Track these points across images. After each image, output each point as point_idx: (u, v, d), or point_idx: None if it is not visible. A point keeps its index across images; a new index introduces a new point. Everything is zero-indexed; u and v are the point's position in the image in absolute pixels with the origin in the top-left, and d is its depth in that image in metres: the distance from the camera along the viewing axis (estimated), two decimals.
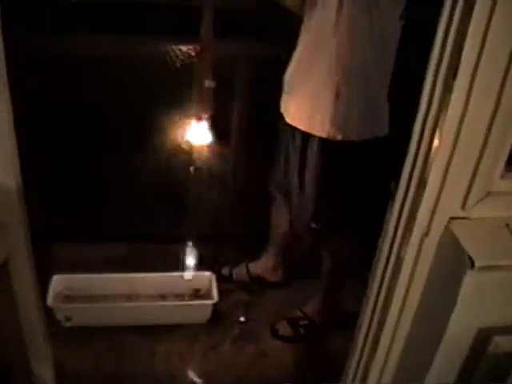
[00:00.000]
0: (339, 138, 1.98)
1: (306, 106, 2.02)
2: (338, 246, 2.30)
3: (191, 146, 2.07)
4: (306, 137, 2.05)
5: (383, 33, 1.88)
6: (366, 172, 2.05)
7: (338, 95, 1.93)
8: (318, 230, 2.18)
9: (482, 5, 1.12)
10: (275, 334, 2.44)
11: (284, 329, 2.45)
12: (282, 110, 2.14)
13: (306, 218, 2.18)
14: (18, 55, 1.44)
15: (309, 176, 2.10)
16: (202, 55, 1.78)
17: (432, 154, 1.25)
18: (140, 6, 2.63)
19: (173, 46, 2.30)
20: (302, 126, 2.05)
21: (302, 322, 2.46)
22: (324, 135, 1.99)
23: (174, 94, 2.15)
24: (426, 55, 1.25)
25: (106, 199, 2.66)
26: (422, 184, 1.28)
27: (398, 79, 1.99)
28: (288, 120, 2.11)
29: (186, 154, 2.20)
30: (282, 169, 2.27)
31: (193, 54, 2.22)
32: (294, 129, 2.09)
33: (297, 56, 2.04)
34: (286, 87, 2.11)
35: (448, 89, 1.22)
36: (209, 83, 1.77)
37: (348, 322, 2.10)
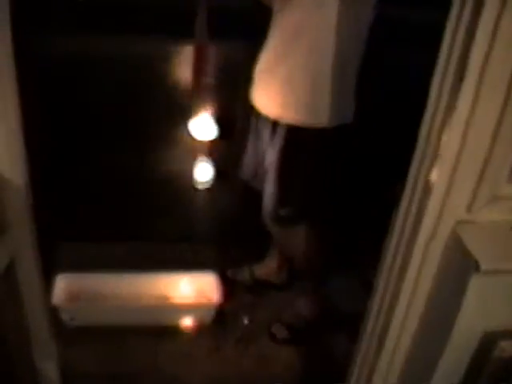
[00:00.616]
0: (310, 124, 2.00)
1: (278, 94, 2.04)
2: (311, 233, 2.29)
3: (193, 142, 2.07)
4: (276, 125, 2.07)
5: (358, 23, 1.92)
6: (333, 159, 2.08)
7: (312, 83, 1.96)
8: (284, 218, 2.18)
9: (491, 7, 1.12)
10: (272, 337, 2.44)
11: (280, 331, 2.45)
12: (253, 101, 2.16)
13: (272, 205, 2.19)
14: (24, 55, 1.44)
15: (277, 162, 2.10)
16: (199, 53, 1.78)
17: (438, 158, 1.25)
18: (142, 7, 2.65)
19: (174, 46, 2.32)
20: (272, 114, 2.07)
21: (296, 323, 2.46)
22: (294, 122, 2.01)
23: (175, 92, 2.16)
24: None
25: (110, 199, 2.67)
26: (428, 187, 1.28)
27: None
28: (259, 109, 2.13)
29: (188, 152, 2.20)
30: (252, 159, 2.29)
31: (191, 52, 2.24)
32: (265, 118, 2.11)
33: (271, 46, 2.04)
34: (257, 77, 2.13)
35: (455, 92, 1.22)
36: (209, 79, 1.78)
37: (343, 321, 2.11)
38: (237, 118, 2.49)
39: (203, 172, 2.57)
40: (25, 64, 1.39)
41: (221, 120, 2.07)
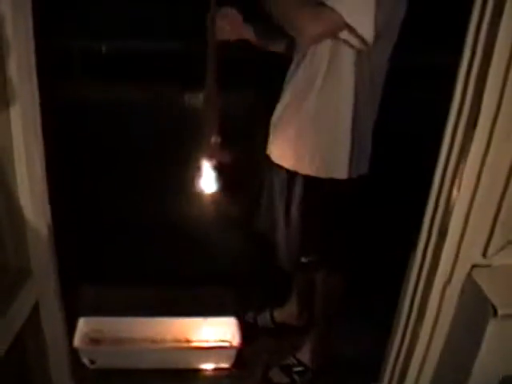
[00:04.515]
0: (326, 176, 2.01)
1: (293, 145, 2.05)
2: (330, 278, 2.28)
3: (204, 194, 2.08)
4: (291, 175, 2.08)
5: (373, 76, 1.93)
6: (351, 207, 2.08)
7: (328, 136, 1.97)
8: (307, 264, 2.19)
9: (500, 56, 1.15)
10: (269, 382, 2.40)
11: (278, 377, 2.41)
12: (268, 151, 2.17)
13: (294, 254, 2.19)
14: (48, 101, 1.50)
15: (295, 213, 2.11)
16: (208, 106, 1.82)
17: (452, 203, 1.27)
18: (163, 55, 2.75)
19: (185, 95, 2.39)
20: (288, 165, 2.08)
21: (296, 369, 2.43)
22: (311, 173, 2.02)
23: (184, 141, 2.20)
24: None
25: (132, 242, 2.71)
26: (442, 232, 1.30)
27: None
28: (274, 159, 2.14)
29: (201, 200, 2.22)
30: (265, 208, 2.29)
31: (200, 103, 2.30)
32: (279, 168, 2.12)
33: (286, 97, 2.06)
34: (272, 128, 2.14)
35: (468, 138, 1.25)
36: (215, 139, 1.82)
37: (341, 366, 2.09)
38: (249, 169, 2.52)
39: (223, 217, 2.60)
40: (47, 110, 1.44)
41: (228, 173, 2.09)
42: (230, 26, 2.02)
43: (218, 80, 1.77)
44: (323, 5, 1.76)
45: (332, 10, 1.74)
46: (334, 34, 1.81)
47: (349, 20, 1.74)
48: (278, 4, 1.83)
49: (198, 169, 1.86)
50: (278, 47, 2.18)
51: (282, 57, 2.11)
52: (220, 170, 1.93)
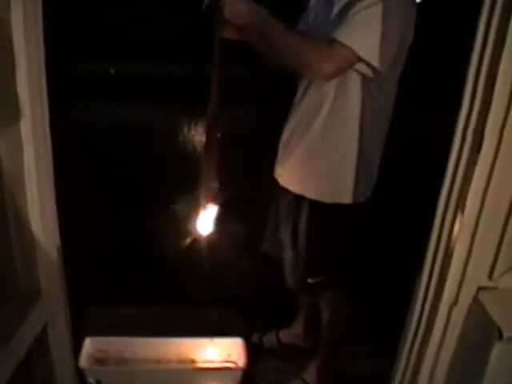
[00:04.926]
0: (331, 201, 2.02)
1: (299, 169, 2.06)
2: (336, 299, 2.29)
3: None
4: (298, 198, 2.09)
5: (382, 100, 1.94)
6: (355, 230, 2.08)
7: (334, 161, 1.98)
8: (314, 285, 2.19)
9: (504, 80, 1.17)
10: None
11: None
12: (276, 174, 2.19)
13: (301, 275, 2.20)
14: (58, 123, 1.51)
15: (302, 235, 2.12)
16: (208, 153, 1.82)
17: (457, 226, 1.28)
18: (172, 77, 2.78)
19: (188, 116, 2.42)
20: (295, 189, 2.09)
21: None
22: (317, 198, 2.03)
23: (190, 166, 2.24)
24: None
25: (138, 263, 2.72)
26: (448, 255, 1.31)
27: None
28: (281, 182, 2.15)
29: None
30: (272, 229, 2.30)
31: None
32: (286, 191, 2.13)
33: (293, 121, 2.07)
34: (280, 152, 2.16)
35: (472, 162, 1.26)
36: (213, 184, 1.83)
37: None
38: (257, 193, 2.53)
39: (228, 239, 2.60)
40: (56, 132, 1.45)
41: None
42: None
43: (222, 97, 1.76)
44: (332, 41, 1.75)
45: (343, 45, 1.73)
46: (348, 69, 1.81)
47: (362, 54, 1.75)
48: (285, 46, 1.81)
49: (197, 210, 1.86)
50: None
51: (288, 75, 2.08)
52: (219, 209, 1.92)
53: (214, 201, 1.80)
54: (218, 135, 1.77)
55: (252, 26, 1.78)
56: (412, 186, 2.37)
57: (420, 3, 1.90)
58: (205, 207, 1.84)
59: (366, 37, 1.74)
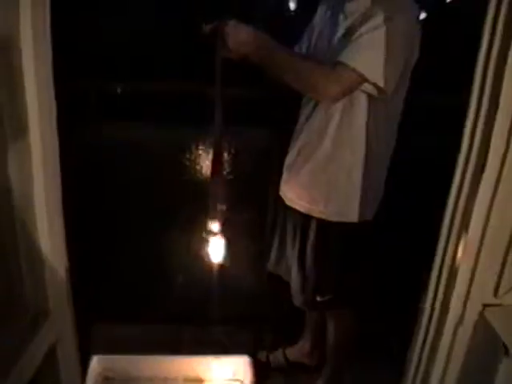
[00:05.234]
0: (338, 220, 2.03)
1: (306, 189, 2.07)
2: (343, 316, 2.30)
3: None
4: (305, 217, 2.10)
5: (388, 120, 1.96)
6: (363, 249, 2.09)
7: (341, 180, 1.99)
8: (321, 303, 2.19)
9: (507, 100, 1.18)
10: None
11: None
12: (281, 193, 2.20)
13: (309, 294, 2.20)
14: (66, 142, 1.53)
15: (310, 254, 2.13)
16: (214, 179, 1.83)
17: (462, 244, 1.29)
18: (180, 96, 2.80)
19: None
20: (301, 208, 2.10)
21: None
22: (323, 217, 2.05)
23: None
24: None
25: (145, 281, 2.72)
26: (453, 273, 1.32)
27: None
28: (287, 202, 2.16)
29: None
30: (278, 248, 2.32)
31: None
32: (292, 210, 2.14)
33: (299, 141, 2.08)
34: (286, 171, 2.17)
35: (477, 181, 1.27)
36: (220, 206, 1.84)
37: None
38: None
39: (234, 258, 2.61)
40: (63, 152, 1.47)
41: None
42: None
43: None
44: (338, 63, 1.76)
45: (349, 67, 1.75)
46: (354, 90, 1.83)
47: (368, 76, 1.76)
48: (291, 71, 1.80)
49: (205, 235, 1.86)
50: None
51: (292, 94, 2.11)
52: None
53: (221, 221, 1.81)
54: (225, 155, 1.79)
55: (256, 54, 1.78)
56: (418, 204, 2.37)
57: (424, 21, 1.91)
58: (212, 228, 1.85)
59: (371, 58, 1.75)
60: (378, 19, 1.73)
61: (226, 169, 2.28)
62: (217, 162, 1.75)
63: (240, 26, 1.74)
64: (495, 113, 1.21)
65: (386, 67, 1.75)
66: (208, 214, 1.77)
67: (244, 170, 2.56)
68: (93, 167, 2.50)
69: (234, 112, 1.78)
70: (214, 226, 1.79)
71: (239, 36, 1.73)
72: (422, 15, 1.90)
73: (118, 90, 2.97)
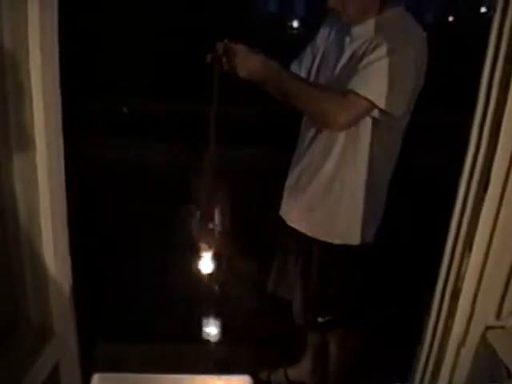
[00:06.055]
0: (340, 242, 2.03)
1: (308, 211, 2.07)
2: (345, 336, 2.29)
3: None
4: (308, 238, 2.09)
5: (391, 143, 1.96)
6: (365, 271, 2.08)
7: (343, 203, 1.99)
8: (323, 324, 2.18)
9: (510, 119, 1.19)
10: None
11: None
12: (282, 213, 2.19)
13: (311, 314, 2.20)
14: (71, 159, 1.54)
15: (312, 275, 2.12)
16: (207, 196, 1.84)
17: (465, 265, 1.30)
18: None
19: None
20: (303, 230, 2.10)
21: None
22: (325, 239, 2.04)
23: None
24: None
25: (147, 300, 2.73)
26: (456, 295, 1.32)
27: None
28: (288, 223, 2.16)
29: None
30: (278, 269, 2.31)
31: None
32: (294, 231, 2.13)
33: (301, 163, 2.08)
34: (287, 192, 2.17)
35: (479, 201, 1.28)
36: (212, 225, 1.85)
37: None
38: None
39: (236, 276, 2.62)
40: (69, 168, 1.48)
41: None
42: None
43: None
44: (348, 91, 1.76)
45: (360, 96, 1.74)
46: (362, 118, 1.83)
47: (380, 104, 1.76)
48: (300, 98, 1.81)
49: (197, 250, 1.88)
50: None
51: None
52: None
53: (212, 241, 1.82)
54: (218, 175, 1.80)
55: (264, 81, 1.78)
56: (420, 224, 2.39)
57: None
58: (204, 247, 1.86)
59: (382, 86, 1.74)
60: (388, 47, 1.73)
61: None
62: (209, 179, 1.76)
63: (249, 55, 1.75)
64: (498, 132, 1.22)
65: (396, 95, 1.75)
66: (201, 232, 1.78)
67: (241, 190, 2.57)
68: (93, 183, 2.52)
69: (231, 131, 1.80)
70: (208, 244, 1.80)
71: (248, 65, 1.74)
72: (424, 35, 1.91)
73: (124, 110, 3.01)
